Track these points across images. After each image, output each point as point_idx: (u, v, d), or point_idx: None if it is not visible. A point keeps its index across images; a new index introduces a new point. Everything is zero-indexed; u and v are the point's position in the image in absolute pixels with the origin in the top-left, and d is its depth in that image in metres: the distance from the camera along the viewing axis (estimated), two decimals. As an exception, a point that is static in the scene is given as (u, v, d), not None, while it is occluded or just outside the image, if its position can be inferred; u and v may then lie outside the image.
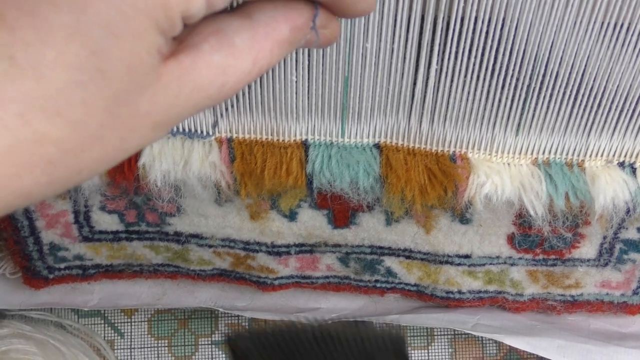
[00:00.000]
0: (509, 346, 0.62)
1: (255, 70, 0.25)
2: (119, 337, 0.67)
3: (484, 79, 0.41)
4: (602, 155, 0.45)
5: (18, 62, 0.19)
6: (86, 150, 0.21)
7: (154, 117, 0.23)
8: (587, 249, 0.52)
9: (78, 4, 0.20)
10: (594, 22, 0.38)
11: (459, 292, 0.56)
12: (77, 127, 0.21)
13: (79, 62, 0.20)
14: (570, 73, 0.40)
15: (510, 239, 0.52)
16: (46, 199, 0.34)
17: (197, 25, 0.24)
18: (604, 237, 0.52)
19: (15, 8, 0.20)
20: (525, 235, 0.51)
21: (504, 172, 0.45)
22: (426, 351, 0.66)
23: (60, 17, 0.20)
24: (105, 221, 0.53)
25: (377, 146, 0.45)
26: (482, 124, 0.43)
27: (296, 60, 0.41)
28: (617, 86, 0.41)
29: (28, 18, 0.20)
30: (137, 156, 0.45)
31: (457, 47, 0.39)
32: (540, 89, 0.41)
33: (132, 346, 0.67)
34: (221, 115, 0.44)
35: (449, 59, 0.40)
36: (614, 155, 0.45)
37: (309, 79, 0.42)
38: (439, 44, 0.39)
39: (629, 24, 0.38)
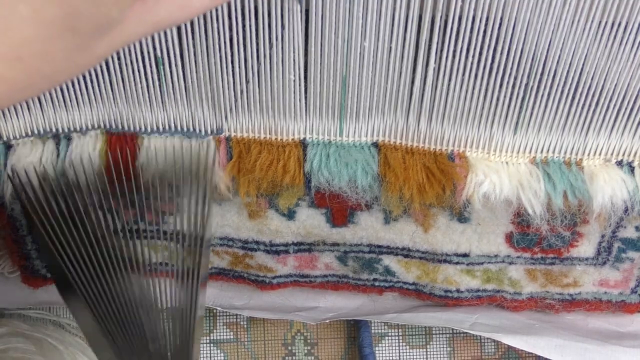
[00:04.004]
0: (507, 345, 0.62)
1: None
2: (118, 336, 0.66)
3: (482, 78, 0.41)
4: (600, 154, 0.45)
5: None
6: (34, 88, 0.23)
7: (106, 54, 0.24)
8: (586, 248, 0.52)
9: None
10: (592, 21, 0.38)
11: (457, 290, 0.56)
12: (32, 72, 0.22)
13: (53, 20, 0.21)
14: (568, 71, 0.40)
15: (509, 237, 0.52)
16: None
17: None
18: (602, 236, 0.52)
19: None
20: (524, 234, 0.51)
21: (502, 171, 0.45)
22: (424, 350, 0.66)
23: None
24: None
25: (376, 145, 0.45)
26: (480, 122, 0.43)
27: (294, 60, 0.41)
28: (615, 84, 0.41)
29: None
30: (135, 155, 0.45)
31: (455, 46, 0.39)
32: (538, 87, 0.41)
33: (131, 345, 0.66)
34: (225, 118, 0.44)
35: (446, 57, 0.40)
36: (612, 154, 0.45)
37: (306, 78, 0.42)
38: (437, 43, 0.39)
39: (627, 22, 0.38)
